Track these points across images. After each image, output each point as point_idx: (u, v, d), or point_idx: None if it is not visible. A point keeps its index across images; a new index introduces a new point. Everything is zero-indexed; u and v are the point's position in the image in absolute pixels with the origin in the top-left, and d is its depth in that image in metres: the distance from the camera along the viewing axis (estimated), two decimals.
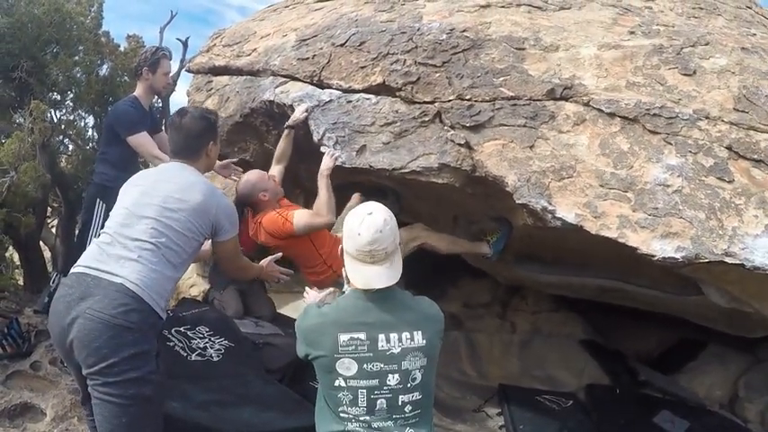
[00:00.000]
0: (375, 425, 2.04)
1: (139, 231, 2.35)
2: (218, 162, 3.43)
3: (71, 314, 2.21)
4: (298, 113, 3.67)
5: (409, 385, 2.05)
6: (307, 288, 2.71)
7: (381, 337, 2.03)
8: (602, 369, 5.08)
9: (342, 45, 3.82)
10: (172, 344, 3.57)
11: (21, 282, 5.36)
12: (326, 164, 3.48)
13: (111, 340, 2.16)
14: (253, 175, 3.59)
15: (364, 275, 2.09)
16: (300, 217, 3.38)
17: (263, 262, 3.02)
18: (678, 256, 2.82)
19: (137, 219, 2.38)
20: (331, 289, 2.78)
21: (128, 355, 2.17)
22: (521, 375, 5.05)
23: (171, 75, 4.17)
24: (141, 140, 3.77)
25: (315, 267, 3.56)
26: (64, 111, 5.79)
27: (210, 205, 2.47)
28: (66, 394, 3.46)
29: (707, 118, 3.14)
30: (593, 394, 4.69)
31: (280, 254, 3.11)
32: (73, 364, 2.31)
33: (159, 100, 4.84)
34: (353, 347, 2.02)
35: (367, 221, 2.08)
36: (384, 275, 2.08)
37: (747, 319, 3.96)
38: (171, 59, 4.10)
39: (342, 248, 2.18)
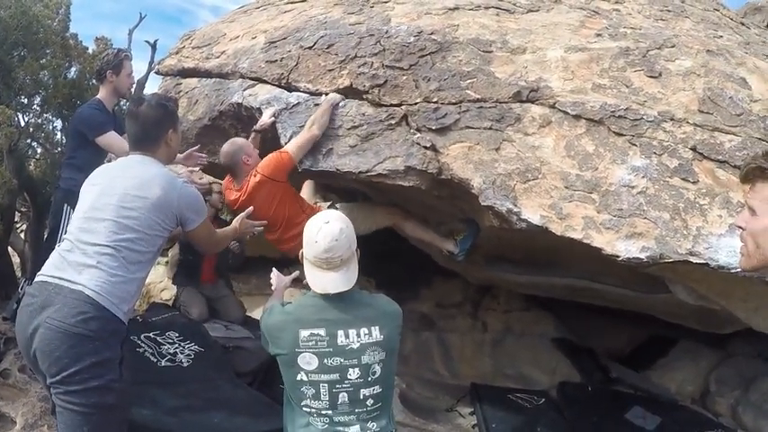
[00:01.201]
0: (337, 419, 2.13)
1: (98, 236, 2.31)
2: (179, 155, 3.38)
3: (33, 323, 2.19)
4: (265, 117, 3.66)
5: (370, 379, 2.14)
6: (273, 270, 2.74)
7: (340, 333, 2.13)
8: (573, 367, 5.14)
9: (310, 48, 3.80)
10: (142, 350, 3.55)
11: None
12: (334, 95, 3.54)
13: (70, 349, 2.14)
14: (239, 139, 3.59)
15: (321, 281, 2.18)
16: (290, 144, 3.43)
17: (236, 221, 3.01)
18: (643, 256, 2.85)
19: (95, 222, 2.34)
20: (296, 273, 2.79)
21: (88, 364, 2.15)
22: (493, 374, 5.09)
23: (134, 76, 4.13)
24: (110, 139, 3.73)
25: (297, 228, 3.45)
26: (31, 114, 5.72)
27: (171, 198, 2.42)
28: (35, 402, 3.41)
29: (672, 120, 3.17)
30: (566, 392, 4.73)
31: (250, 208, 3.11)
32: (40, 373, 2.29)
33: (123, 102, 4.78)
34: (314, 342, 2.12)
35: (324, 230, 2.17)
36: (339, 281, 2.17)
37: (716, 316, 4.02)
38: (131, 60, 4.08)
39: (302, 253, 2.26)
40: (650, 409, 4.41)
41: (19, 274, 5.59)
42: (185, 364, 3.54)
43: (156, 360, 3.51)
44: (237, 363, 3.79)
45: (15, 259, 5.70)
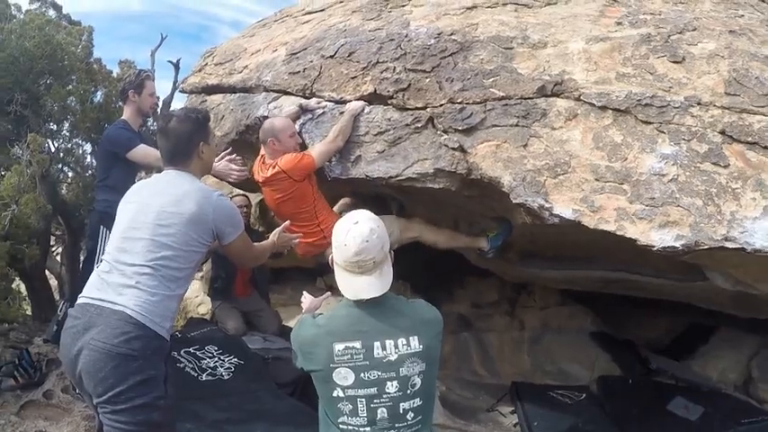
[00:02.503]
0: None
1: (135, 255, 2.31)
2: (215, 164, 3.42)
3: (77, 345, 2.21)
4: (312, 103, 3.77)
5: (409, 392, 2.01)
6: (304, 293, 2.70)
7: (377, 344, 1.99)
8: (613, 360, 5.09)
9: (331, 57, 3.83)
10: (182, 365, 3.59)
11: (29, 312, 5.38)
12: (355, 104, 3.59)
13: (115, 369, 2.15)
14: (279, 121, 3.62)
15: (353, 286, 2.05)
16: (314, 148, 3.51)
17: (273, 235, 2.93)
18: (678, 244, 2.81)
19: (132, 241, 2.34)
20: (327, 294, 2.79)
21: (134, 383, 2.16)
22: (533, 372, 5.06)
23: (157, 95, 4.18)
24: (143, 151, 3.77)
25: (309, 226, 3.59)
26: (61, 140, 5.82)
27: (206, 212, 2.39)
28: (79, 421, 3.48)
29: (699, 104, 3.12)
30: (606, 386, 4.68)
31: (288, 222, 3.09)
32: (86, 393, 2.30)
33: (151, 122, 4.85)
34: (349, 356, 1.99)
35: (353, 231, 2.04)
36: (373, 286, 2.04)
37: (755, 301, 3.93)
38: (153, 80, 4.13)
39: (331, 258, 2.15)
40: (693, 399, 4.34)
41: (57, 296, 5.70)
42: (226, 377, 3.58)
43: (196, 374, 3.55)
44: (277, 374, 3.81)
45: (53, 282, 5.81)
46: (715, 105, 3.12)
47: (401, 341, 2.00)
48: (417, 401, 2.03)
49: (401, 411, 2.00)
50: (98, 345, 2.16)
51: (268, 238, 2.97)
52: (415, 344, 2.01)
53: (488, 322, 5.54)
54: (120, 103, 5.28)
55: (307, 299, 2.63)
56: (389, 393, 1.99)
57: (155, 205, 2.39)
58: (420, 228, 3.82)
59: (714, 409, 4.22)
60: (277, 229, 2.97)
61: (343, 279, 2.08)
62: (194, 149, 2.53)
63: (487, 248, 3.81)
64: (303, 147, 3.70)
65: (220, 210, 2.45)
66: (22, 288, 5.52)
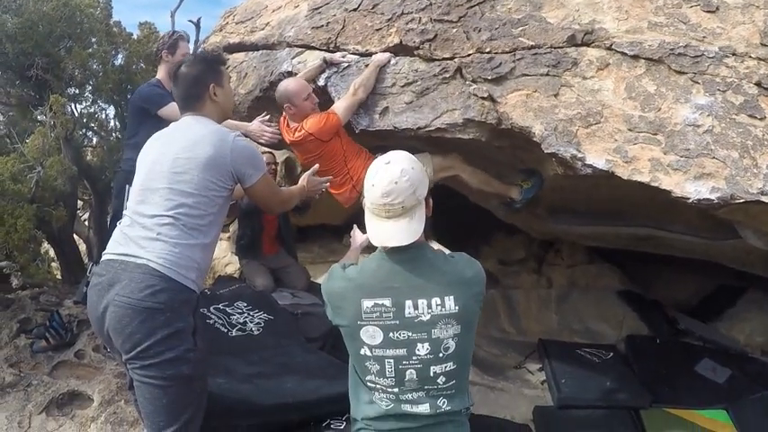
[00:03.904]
0: (404, 396, 1.89)
1: (155, 206, 2.26)
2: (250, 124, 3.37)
3: (103, 302, 2.18)
4: (337, 56, 3.73)
5: (441, 355, 1.86)
6: (354, 227, 2.58)
7: (408, 303, 1.85)
8: (640, 319, 5.05)
9: (355, 10, 3.78)
10: (212, 321, 3.61)
11: (58, 276, 5.45)
12: (382, 56, 3.54)
13: (142, 324, 2.11)
14: (292, 85, 3.54)
15: (380, 232, 1.90)
16: (337, 105, 3.48)
17: (302, 180, 2.83)
18: (713, 197, 2.74)
19: (150, 192, 2.29)
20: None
21: (161, 337, 2.12)
22: (560, 330, 5.04)
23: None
24: (174, 108, 3.76)
25: (340, 176, 3.58)
26: (84, 104, 5.83)
27: (223, 154, 2.31)
28: (111, 379, 3.54)
29: (733, 55, 3.01)
30: (634, 345, 4.65)
31: (317, 166, 2.99)
32: (115, 350, 2.29)
33: None
34: (378, 314, 1.86)
35: (382, 172, 1.88)
36: (400, 233, 1.88)
37: None
38: (188, 42, 4.12)
39: (364, 202, 2.00)
40: (720, 362, 4.32)
41: (86, 260, 5.76)
42: (255, 333, 3.59)
43: (226, 330, 3.56)
44: (307, 329, 3.82)
45: (82, 247, 5.87)
46: (750, 56, 3.00)
47: (435, 300, 1.85)
48: (450, 365, 1.89)
49: (431, 374, 1.87)
50: (123, 300, 2.13)
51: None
52: (451, 304, 1.86)
53: (515, 279, 5.52)
54: (143, 65, 5.29)
55: (355, 234, 2.49)
56: (419, 355, 1.86)
57: (170, 153, 2.32)
58: (456, 164, 3.72)
59: (742, 373, 4.19)
60: (306, 173, 2.87)
61: (370, 224, 1.93)
62: (205, 91, 2.46)
63: (519, 198, 3.74)
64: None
65: (238, 151, 2.36)
66: (51, 252, 5.60)
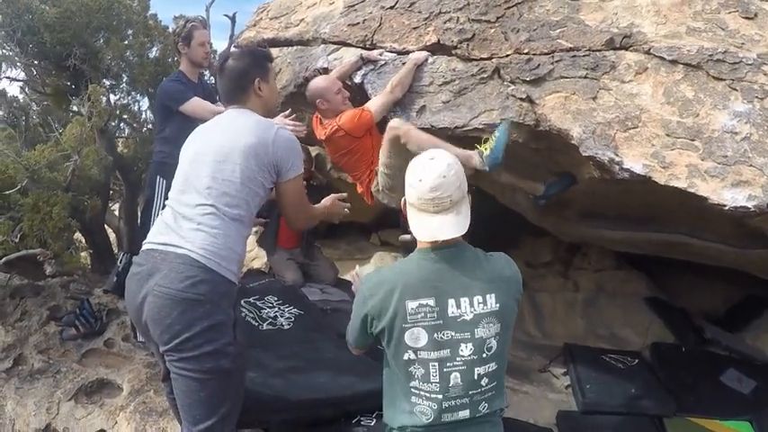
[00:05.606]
0: (446, 404, 1.88)
1: (197, 196, 2.25)
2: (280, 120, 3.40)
3: (142, 292, 2.16)
4: (375, 53, 3.74)
5: (485, 355, 1.86)
6: (356, 267, 2.51)
7: (451, 302, 1.85)
8: (667, 327, 4.98)
9: (392, 7, 3.80)
10: (243, 314, 3.64)
11: (88, 264, 5.51)
12: (419, 54, 3.54)
13: (182, 315, 2.08)
14: (322, 81, 3.61)
15: (428, 227, 1.89)
16: (373, 102, 3.50)
17: (326, 201, 2.79)
18: (750, 204, 2.72)
19: (193, 182, 2.29)
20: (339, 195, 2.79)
21: (201, 329, 2.09)
22: (585, 334, 4.99)
23: (208, 44, 4.15)
24: (194, 104, 3.78)
25: (368, 172, 3.63)
26: (119, 95, 5.89)
27: (266, 144, 2.29)
28: (141, 368, 3.56)
29: None
30: (659, 353, 4.60)
31: (344, 194, 2.96)
32: (152, 341, 2.27)
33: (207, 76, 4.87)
34: (422, 314, 1.85)
35: (428, 167, 1.89)
36: (450, 226, 1.87)
37: None
38: (206, 29, 4.08)
39: (404, 201, 2.02)
40: (745, 372, 4.26)
41: (115, 250, 5.83)
42: (286, 327, 3.61)
43: (257, 324, 3.59)
44: (336, 325, 3.82)
45: (111, 236, 5.93)
46: None
47: (477, 299, 1.86)
48: (493, 366, 1.89)
49: (475, 377, 1.86)
50: (163, 290, 2.11)
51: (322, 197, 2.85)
52: (492, 302, 1.87)
53: (542, 282, 5.49)
54: (177, 58, 5.34)
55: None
56: (463, 356, 1.85)
57: (214, 143, 2.33)
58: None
59: (767, 385, 4.13)
60: (332, 195, 2.84)
61: (417, 221, 1.92)
62: (250, 85, 2.46)
63: (542, 192, 3.66)
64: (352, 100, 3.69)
65: (281, 141, 2.34)
66: (83, 241, 5.66)
